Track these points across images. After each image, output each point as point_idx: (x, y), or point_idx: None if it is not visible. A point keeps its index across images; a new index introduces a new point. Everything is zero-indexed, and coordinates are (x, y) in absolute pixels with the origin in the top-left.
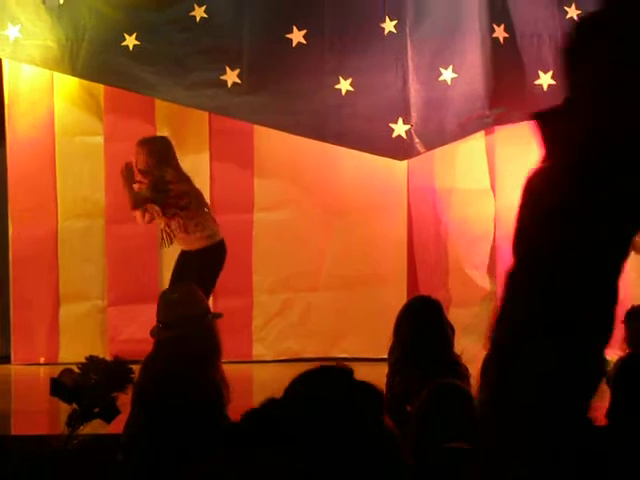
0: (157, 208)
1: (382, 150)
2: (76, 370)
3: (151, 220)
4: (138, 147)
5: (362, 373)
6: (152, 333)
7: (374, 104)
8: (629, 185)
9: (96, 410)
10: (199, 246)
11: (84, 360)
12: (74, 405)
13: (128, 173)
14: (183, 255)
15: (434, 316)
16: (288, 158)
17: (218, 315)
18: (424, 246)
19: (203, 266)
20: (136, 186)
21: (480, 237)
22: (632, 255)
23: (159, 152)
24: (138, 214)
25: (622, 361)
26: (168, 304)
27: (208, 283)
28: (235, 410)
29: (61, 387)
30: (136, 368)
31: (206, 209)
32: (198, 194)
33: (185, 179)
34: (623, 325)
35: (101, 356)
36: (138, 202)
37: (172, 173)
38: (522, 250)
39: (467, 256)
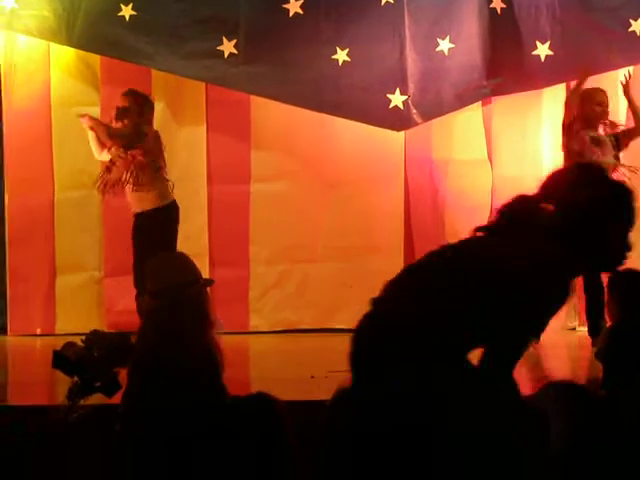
0: (121, 151)
1: (379, 121)
2: (79, 343)
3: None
4: (126, 95)
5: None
6: (142, 303)
7: (371, 75)
8: None
9: (97, 384)
10: (151, 207)
11: (83, 331)
12: (75, 378)
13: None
14: (138, 219)
15: None
16: (285, 129)
17: (209, 282)
18: (421, 217)
19: (161, 227)
20: (118, 124)
21: (477, 208)
22: None
23: (142, 106)
24: (106, 149)
25: (610, 331)
26: (156, 273)
27: (170, 244)
28: (231, 381)
29: (63, 360)
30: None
31: (163, 173)
32: (161, 158)
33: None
34: (610, 293)
35: (99, 328)
36: (116, 137)
37: (148, 129)
38: None
39: (464, 227)
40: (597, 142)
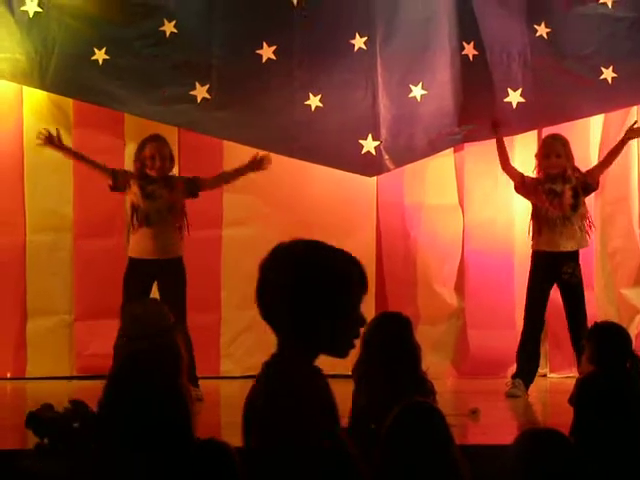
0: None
1: (351, 166)
2: (57, 408)
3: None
4: (163, 142)
5: (332, 389)
6: (116, 347)
7: (343, 120)
8: None
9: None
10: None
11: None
12: (45, 440)
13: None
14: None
15: (403, 333)
16: (257, 173)
17: (184, 329)
18: (393, 261)
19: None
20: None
21: (449, 253)
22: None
23: None
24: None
25: (584, 380)
26: (134, 318)
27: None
28: (202, 426)
29: (36, 421)
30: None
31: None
32: None
33: None
34: (587, 343)
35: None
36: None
37: None
38: None
39: (436, 272)
40: (554, 194)
